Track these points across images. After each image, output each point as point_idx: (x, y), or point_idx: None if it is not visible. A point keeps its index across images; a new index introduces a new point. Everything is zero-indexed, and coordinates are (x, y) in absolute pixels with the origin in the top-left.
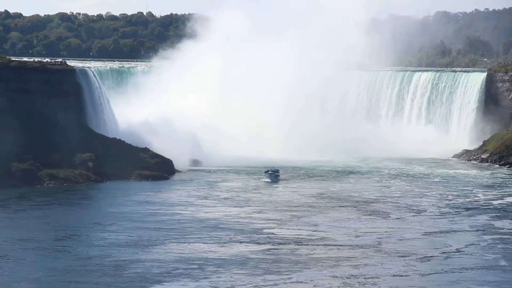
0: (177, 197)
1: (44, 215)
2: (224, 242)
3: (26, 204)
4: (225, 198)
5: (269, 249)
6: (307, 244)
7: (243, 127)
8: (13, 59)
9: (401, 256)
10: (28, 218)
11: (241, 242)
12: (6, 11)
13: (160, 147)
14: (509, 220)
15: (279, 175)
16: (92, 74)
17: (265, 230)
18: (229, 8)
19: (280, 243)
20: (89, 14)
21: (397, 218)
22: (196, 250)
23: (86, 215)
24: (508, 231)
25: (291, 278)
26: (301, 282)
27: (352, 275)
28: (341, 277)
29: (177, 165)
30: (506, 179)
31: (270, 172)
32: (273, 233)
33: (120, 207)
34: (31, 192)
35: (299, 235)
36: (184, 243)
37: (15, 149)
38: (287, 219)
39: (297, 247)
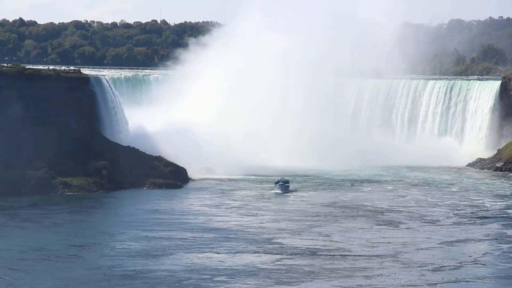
0: (189, 206)
1: (55, 224)
2: (236, 252)
3: (38, 212)
4: (237, 207)
5: (281, 259)
6: (320, 254)
7: (255, 135)
8: (28, 67)
9: (419, 266)
10: (39, 226)
11: (253, 252)
12: (20, 19)
13: (173, 155)
14: None
15: (289, 186)
16: (106, 82)
17: (277, 240)
18: (244, 14)
19: (292, 253)
20: (103, 22)
21: (412, 228)
22: (208, 260)
23: (98, 223)
24: None
25: None
26: None
27: (359, 285)
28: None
29: (190, 173)
30: None
31: (280, 183)
32: (285, 243)
33: (131, 215)
34: (44, 201)
35: (312, 245)
36: (195, 252)
37: (29, 157)
38: (299, 228)
39: (310, 257)
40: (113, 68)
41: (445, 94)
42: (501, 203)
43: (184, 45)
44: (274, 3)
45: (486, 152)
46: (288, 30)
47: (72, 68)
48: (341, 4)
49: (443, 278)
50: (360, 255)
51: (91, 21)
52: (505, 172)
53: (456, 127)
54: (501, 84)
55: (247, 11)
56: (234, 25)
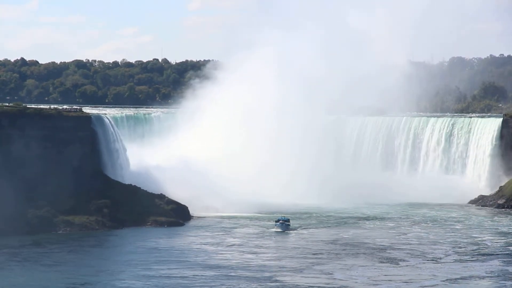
0: (190, 244)
1: (56, 263)
2: None
3: (39, 251)
4: (237, 245)
5: None
6: None
7: (256, 172)
8: (29, 106)
9: None
10: (40, 265)
11: None
12: (22, 59)
13: (175, 193)
14: None
15: (289, 224)
16: (108, 121)
17: (278, 278)
18: (245, 52)
19: None
20: (105, 61)
21: (414, 265)
22: None
23: (99, 262)
24: None
25: None
26: None
27: None
28: None
29: (191, 211)
30: None
31: (281, 221)
32: (287, 281)
33: (133, 254)
34: (45, 239)
35: (314, 283)
36: None
37: (30, 195)
38: (301, 266)
39: None
40: (114, 107)
41: (447, 131)
42: (503, 240)
43: (186, 83)
44: (275, 38)
45: (487, 190)
46: (289, 67)
47: (73, 107)
48: (345, 41)
49: None
50: None
51: (92, 60)
52: (507, 209)
53: (457, 164)
54: (503, 121)
55: (247, 47)
56: (234, 62)
